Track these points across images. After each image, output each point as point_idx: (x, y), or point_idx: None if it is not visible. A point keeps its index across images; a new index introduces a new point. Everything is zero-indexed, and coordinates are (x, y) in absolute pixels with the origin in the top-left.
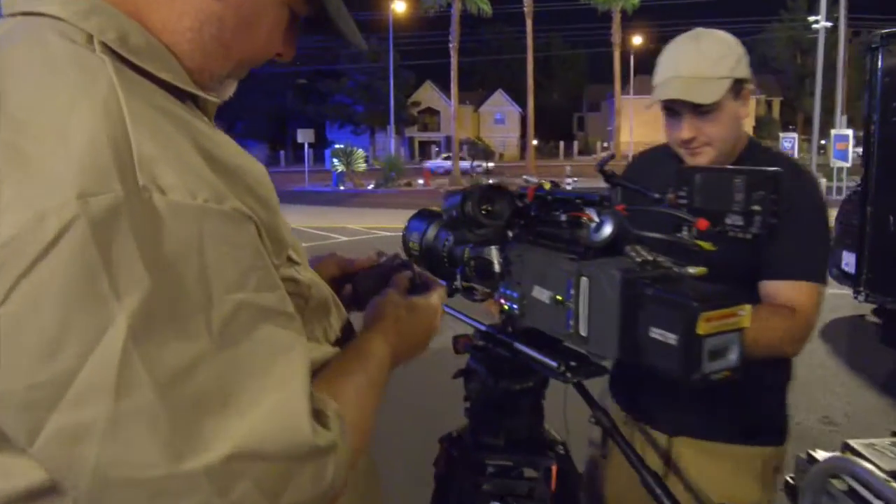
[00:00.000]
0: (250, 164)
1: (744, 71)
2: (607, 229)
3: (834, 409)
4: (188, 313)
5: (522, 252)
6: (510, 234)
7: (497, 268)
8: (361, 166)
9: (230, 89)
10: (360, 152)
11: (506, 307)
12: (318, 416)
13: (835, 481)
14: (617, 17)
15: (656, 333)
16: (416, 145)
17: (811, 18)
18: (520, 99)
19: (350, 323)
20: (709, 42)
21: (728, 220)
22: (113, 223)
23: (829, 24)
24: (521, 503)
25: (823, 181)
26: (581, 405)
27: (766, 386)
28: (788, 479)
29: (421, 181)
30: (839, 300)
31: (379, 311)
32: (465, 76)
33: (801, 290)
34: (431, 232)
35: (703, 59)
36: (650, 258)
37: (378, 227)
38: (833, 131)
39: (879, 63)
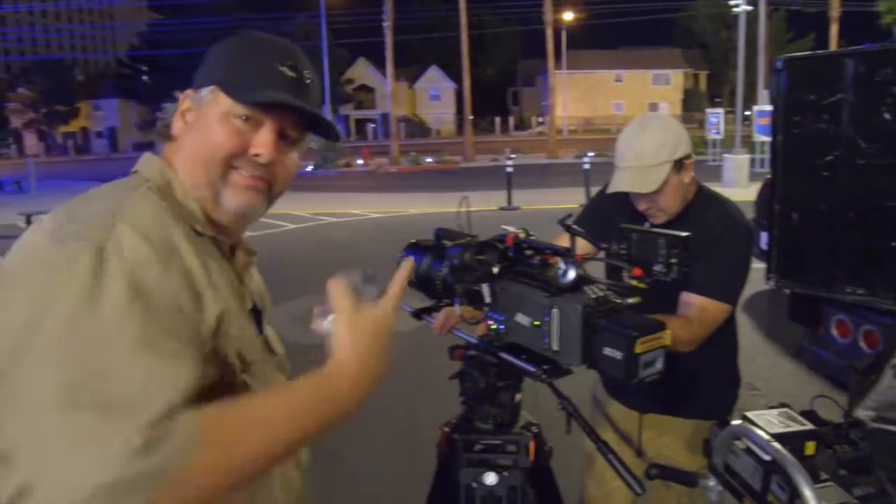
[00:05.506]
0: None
1: (683, 150)
2: (571, 274)
3: (757, 376)
4: None
5: (506, 286)
6: (495, 271)
7: (488, 299)
8: None
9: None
10: None
11: (493, 327)
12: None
13: (737, 442)
14: None
15: (608, 351)
16: (353, 123)
17: (731, 2)
18: (454, 74)
19: None
20: (652, 132)
21: (655, 268)
22: None
23: (749, 8)
24: (507, 471)
25: (747, 156)
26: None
27: (715, 377)
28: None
29: (360, 161)
30: (756, 274)
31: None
32: (398, 52)
33: (706, 303)
34: (426, 263)
35: (646, 150)
36: (602, 294)
37: (323, 213)
38: (755, 107)
39: (783, 82)
